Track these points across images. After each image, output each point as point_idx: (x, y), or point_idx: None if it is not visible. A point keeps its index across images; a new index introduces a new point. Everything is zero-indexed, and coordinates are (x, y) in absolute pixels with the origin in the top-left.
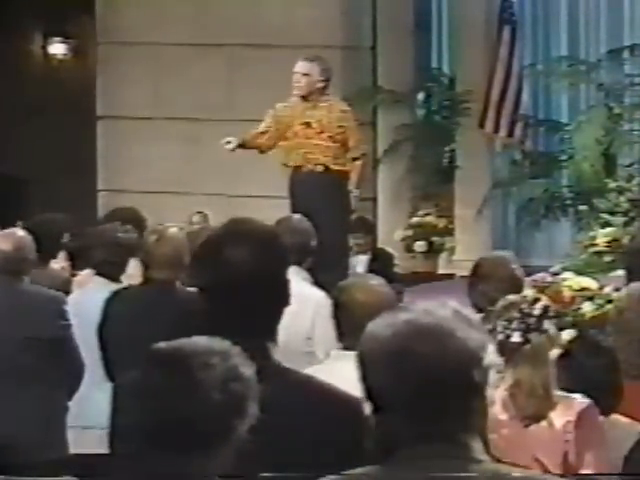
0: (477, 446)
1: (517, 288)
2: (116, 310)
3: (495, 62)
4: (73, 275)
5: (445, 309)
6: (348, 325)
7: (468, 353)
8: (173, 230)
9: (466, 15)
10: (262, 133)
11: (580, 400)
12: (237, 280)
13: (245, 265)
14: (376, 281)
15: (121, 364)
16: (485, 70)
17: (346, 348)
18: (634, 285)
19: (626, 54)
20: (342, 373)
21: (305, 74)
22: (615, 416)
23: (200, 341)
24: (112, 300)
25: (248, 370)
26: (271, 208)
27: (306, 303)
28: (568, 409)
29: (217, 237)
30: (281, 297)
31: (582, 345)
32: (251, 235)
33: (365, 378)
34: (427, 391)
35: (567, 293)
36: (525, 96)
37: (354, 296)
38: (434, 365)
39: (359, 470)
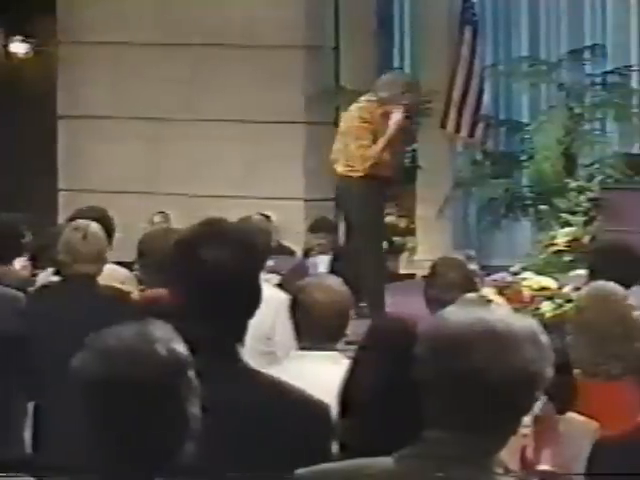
0: (498, 462)
1: (470, 288)
2: (40, 306)
3: (456, 62)
4: (34, 275)
5: (524, 322)
6: (306, 325)
7: (526, 374)
8: (95, 225)
9: (428, 15)
10: None
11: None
12: (212, 280)
13: (221, 266)
14: (334, 281)
15: (44, 360)
16: (447, 70)
17: (304, 348)
18: (594, 284)
19: (587, 54)
20: (300, 373)
21: None
22: (570, 414)
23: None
24: (36, 296)
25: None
26: (233, 208)
27: (267, 303)
28: None
29: (192, 237)
30: (254, 299)
31: None
32: (227, 236)
33: (417, 360)
34: (472, 395)
35: (527, 293)
36: (486, 96)
37: (312, 296)
38: (490, 372)
39: (369, 460)
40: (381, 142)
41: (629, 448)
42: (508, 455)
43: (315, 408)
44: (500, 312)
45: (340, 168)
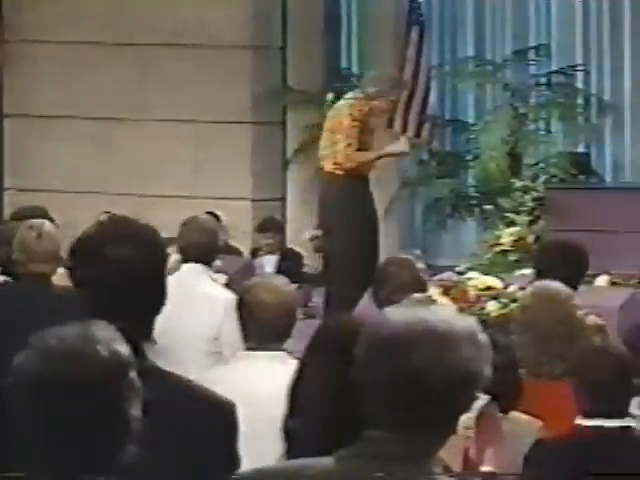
0: (437, 461)
1: (421, 289)
2: None
3: (403, 63)
4: None
5: (463, 321)
6: (253, 325)
7: (465, 373)
8: (49, 224)
9: (375, 15)
10: None
11: (481, 397)
12: (118, 278)
13: (126, 263)
14: (280, 281)
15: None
16: (393, 71)
17: (251, 348)
18: (539, 284)
19: (531, 54)
20: (247, 373)
21: None
22: (515, 413)
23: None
24: None
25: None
26: (180, 207)
27: (214, 303)
28: None
29: (96, 234)
30: (159, 296)
31: None
32: (133, 233)
33: (356, 362)
34: (412, 395)
35: (472, 292)
36: (432, 96)
37: (258, 296)
38: (429, 372)
39: (311, 460)
40: (372, 155)
41: (564, 450)
42: (451, 456)
43: (221, 407)
44: (440, 312)
45: (327, 166)
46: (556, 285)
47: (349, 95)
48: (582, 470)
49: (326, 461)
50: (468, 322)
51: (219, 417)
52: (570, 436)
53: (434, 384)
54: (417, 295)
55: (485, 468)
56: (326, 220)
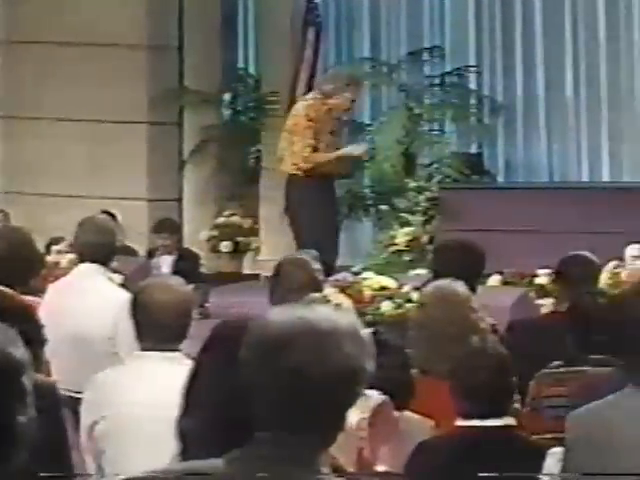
0: (325, 461)
1: (316, 289)
2: None
3: (300, 63)
4: None
5: (344, 318)
6: (148, 326)
7: (347, 370)
8: None
9: (272, 16)
10: None
11: (375, 397)
12: None
13: None
14: (176, 281)
15: None
16: (291, 71)
17: (146, 349)
18: (437, 283)
19: (425, 56)
20: (143, 374)
21: None
22: (407, 413)
23: None
24: None
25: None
26: (76, 207)
27: (109, 303)
28: (363, 406)
29: None
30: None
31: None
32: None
33: (242, 363)
34: (296, 395)
35: (367, 292)
36: None
37: (153, 296)
38: (311, 371)
39: (200, 462)
40: (329, 156)
41: (444, 450)
42: (346, 456)
43: (40, 388)
44: (320, 310)
45: (286, 167)
46: (454, 286)
47: (308, 96)
48: (461, 470)
49: (215, 463)
50: (349, 319)
51: (39, 398)
52: (450, 436)
53: (317, 382)
54: (313, 295)
55: (379, 468)
56: (290, 221)
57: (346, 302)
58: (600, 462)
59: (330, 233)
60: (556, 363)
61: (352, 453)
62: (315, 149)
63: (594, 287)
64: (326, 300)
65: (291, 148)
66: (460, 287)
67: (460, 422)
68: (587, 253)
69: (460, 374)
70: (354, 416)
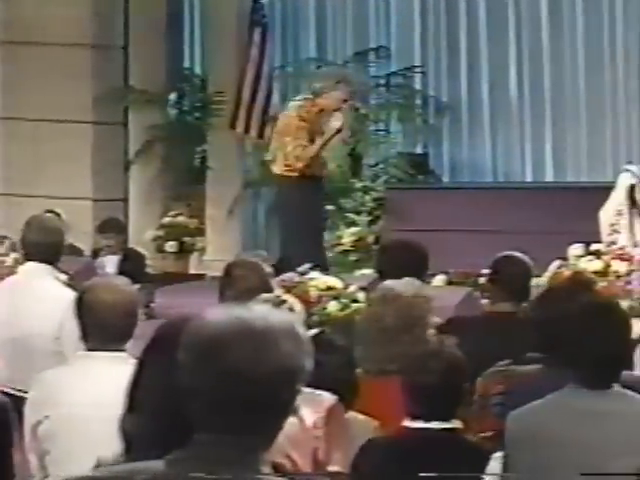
0: (266, 461)
1: (267, 289)
2: None
3: (246, 63)
4: None
5: (282, 317)
6: (93, 325)
7: (285, 369)
8: None
9: (218, 16)
10: None
11: (328, 397)
12: None
13: None
14: (120, 281)
15: None
16: (236, 71)
17: (91, 349)
18: (385, 284)
19: (371, 56)
20: (88, 373)
21: None
22: (352, 413)
23: None
24: None
25: None
26: (21, 206)
27: (55, 303)
28: (317, 406)
29: None
30: None
31: (317, 344)
32: None
33: (180, 365)
34: (234, 396)
35: (314, 293)
36: (275, 97)
37: (98, 296)
38: (248, 371)
39: (141, 464)
40: (317, 144)
41: (389, 451)
42: (301, 456)
43: None
44: (257, 309)
45: (277, 168)
46: (400, 286)
47: (298, 97)
48: (405, 471)
49: (156, 465)
50: (286, 317)
51: None
52: (396, 437)
53: (254, 382)
54: (265, 295)
55: (332, 468)
56: (281, 222)
57: (298, 303)
58: (540, 461)
59: (316, 235)
60: (506, 361)
61: (308, 452)
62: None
63: (527, 287)
64: (280, 301)
65: (284, 149)
66: (406, 288)
67: (407, 423)
68: (520, 254)
69: (411, 374)
70: (310, 415)
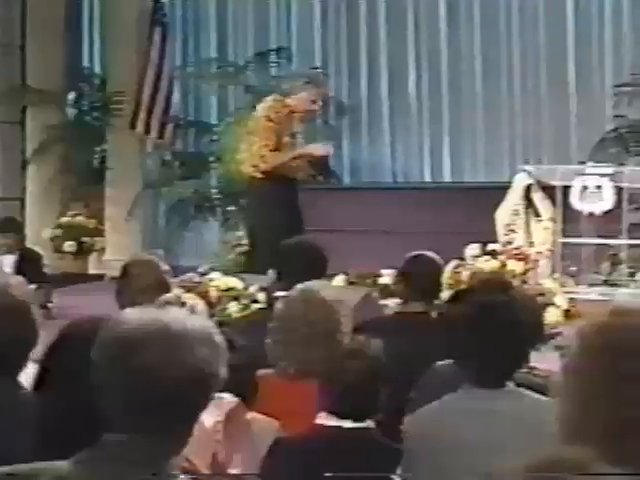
0: (175, 465)
1: (164, 290)
2: None
3: (146, 63)
4: None
5: (198, 322)
6: None
7: (200, 374)
8: None
9: (118, 15)
10: None
11: (229, 399)
12: None
13: None
14: (17, 280)
15: None
16: (136, 71)
17: None
18: (302, 285)
19: (272, 57)
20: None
21: None
22: (252, 413)
23: None
24: None
25: None
26: None
27: None
28: (217, 408)
29: None
30: None
31: None
32: None
33: (93, 364)
34: (146, 396)
35: (214, 293)
36: (176, 97)
37: None
38: (162, 372)
39: (44, 464)
40: (288, 155)
41: (300, 449)
42: (200, 460)
43: None
44: (174, 312)
45: (245, 168)
46: (317, 288)
47: (269, 98)
48: (317, 470)
49: (60, 465)
50: (203, 323)
51: None
52: (308, 435)
53: (167, 384)
54: (167, 295)
55: (233, 470)
56: (248, 223)
57: (200, 304)
58: (437, 462)
59: (278, 238)
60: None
61: (207, 456)
62: (275, 151)
63: (438, 286)
64: (181, 302)
65: (250, 149)
66: (323, 290)
67: (320, 420)
68: (430, 253)
69: (329, 374)
70: (209, 419)
